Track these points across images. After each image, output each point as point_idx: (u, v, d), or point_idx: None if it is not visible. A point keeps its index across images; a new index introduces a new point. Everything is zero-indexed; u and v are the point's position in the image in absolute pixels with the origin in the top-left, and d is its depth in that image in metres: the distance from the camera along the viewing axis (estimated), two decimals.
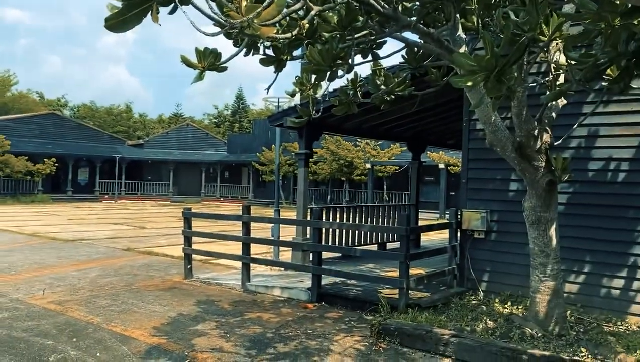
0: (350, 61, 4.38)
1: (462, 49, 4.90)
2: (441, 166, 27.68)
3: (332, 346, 5.53)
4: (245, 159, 39.13)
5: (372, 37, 4.51)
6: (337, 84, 5.22)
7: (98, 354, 5.13)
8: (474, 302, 6.81)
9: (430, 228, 8.51)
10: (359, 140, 31.12)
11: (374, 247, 10.55)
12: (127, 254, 11.98)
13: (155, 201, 38.68)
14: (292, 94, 6.02)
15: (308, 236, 9.68)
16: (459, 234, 7.52)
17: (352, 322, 6.40)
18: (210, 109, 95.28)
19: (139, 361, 4.99)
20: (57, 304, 7.09)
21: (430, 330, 5.50)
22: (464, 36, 5.04)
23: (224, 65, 3.64)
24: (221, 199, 40.16)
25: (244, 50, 4.33)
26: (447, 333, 5.42)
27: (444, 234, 15.21)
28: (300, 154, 9.62)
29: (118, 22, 2.82)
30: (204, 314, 6.74)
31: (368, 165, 29.99)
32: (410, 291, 6.69)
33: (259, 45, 4.39)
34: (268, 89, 4.81)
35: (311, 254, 8.83)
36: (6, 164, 32.18)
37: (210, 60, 3.55)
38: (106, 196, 38.83)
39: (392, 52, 5.13)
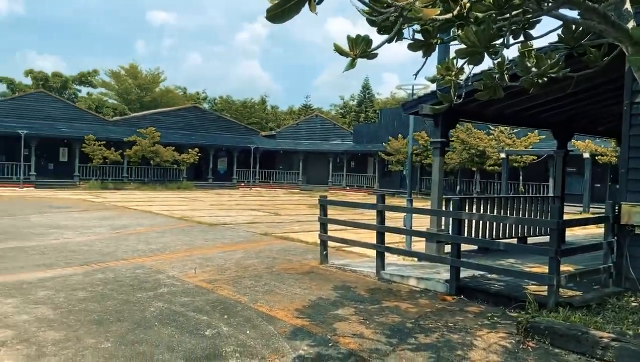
0: (504, 42, 4.14)
1: (631, 24, 4.40)
2: (586, 155, 25.44)
3: (475, 340, 5.34)
4: (371, 149, 39.24)
5: (528, 16, 4.22)
6: (480, 68, 4.97)
7: (247, 332, 5.45)
8: (634, 304, 6.18)
9: (584, 222, 7.87)
10: (492, 128, 29.69)
11: (514, 241, 10.02)
12: (265, 239, 12.63)
13: (286, 189, 40.37)
14: (433, 80, 5.84)
15: (442, 227, 9.45)
16: (616, 229, 6.85)
17: (495, 318, 6.13)
18: (336, 100, 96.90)
19: (286, 340, 5.21)
20: (207, 283, 7.67)
21: (587, 331, 5.07)
22: (631, 10, 4.53)
23: (374, 52, 3.64)
24: (347, 188, 40.74)
25: (389, 36, 4.29)
26: (606, 336, 4.96)
27: (589, 229, 14.07)
28: (435, 143, 9.38)
29: (278, 13, 2.92)
30: (342, 299, 6.87)
31: (502, 155, 28.47)
32: (559, 289, 6.24)
33: (402, 30, 4.32)
34: (416, 74, 4.70)
35: (446, 246, 8.62)
36: (156, 153, 35.51)
37: (362, 47, 3.56)
38: (242, 184, 41.32)
39: (547, 32, 4.73)
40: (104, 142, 34.15)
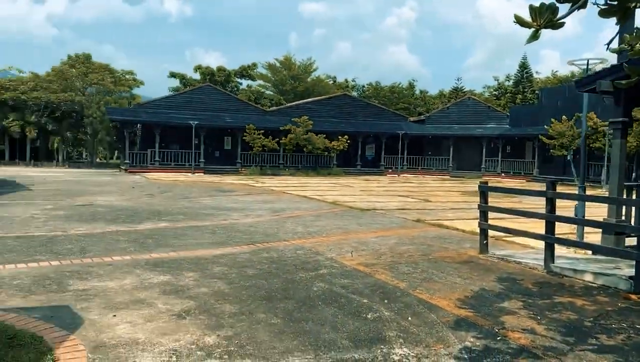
0: None
1: None
2: None
3: None
4: (530, 132, 36.65)
5: None
6: None
7: (409, 318, 5.38)
8: None
9: None
10: None
11: None
12: (418, 225, 12.44)
13: (435, 176, 39.47)
14: (619, 51, 5.17)
15: (622, 217, 8.45)
16: None
17: None
18: (489, 81, 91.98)
19: (450, 330, 5.04)
20: (365, 266, 7.74)
21: None
22: None
23: (561, 21, 3.28)
24: (502, 174, 38.58)
25: (576, 4, 3.84)
26: None
27: None
28: (615, 123, 8.37)
29: None
30: (507, 291, 6.48)
31: None
32: None
33: None
34: (608, 44, 4.18)
35: (627, 239, 7.69)
36: (309, 141, 36.97)
37: (547, 17, 3.23)
38: (390, 170, 41.32)
39: None
40: (262, 131, 36.43)
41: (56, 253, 8.08)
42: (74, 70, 47.69)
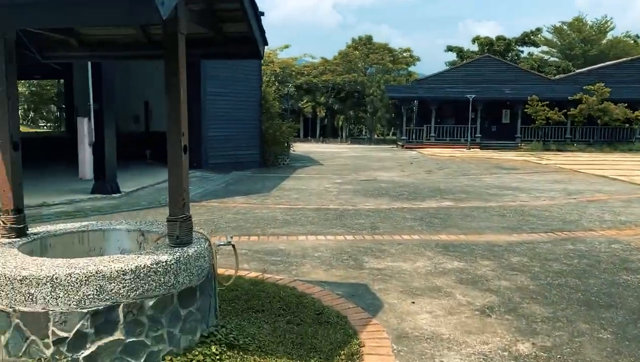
0: None
1: None
2: None
3: None
4: None
5: None
6: None
7: None
8: None
9: None
10: None
11: None
12: None
13: None
14: None
15: None
16: None
17: None
18: None
19: None
20: None
21: None
22: None
23: None
24: None
25: None
26: None
27: None
28: None
29: None
30: None
31: None
32: None
33: None
34: None
35: None
36: (604, 111, 32.09)
37: None
38: None
39: None
40: (546, 102, 33.08)
41: (349, 227, 8.37)
42: (357, 52, 51.16)
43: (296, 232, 7.90)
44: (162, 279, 3.31)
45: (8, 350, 3.10)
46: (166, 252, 3.46)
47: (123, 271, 3.15)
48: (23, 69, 8.14)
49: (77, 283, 3.05)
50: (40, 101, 48.09)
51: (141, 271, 3.21)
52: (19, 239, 3.81)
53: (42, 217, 8.85)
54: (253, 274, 5.59)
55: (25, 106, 47.95)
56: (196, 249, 3.61)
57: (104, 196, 11.06)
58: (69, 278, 3.04)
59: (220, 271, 4.25)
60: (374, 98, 46.02)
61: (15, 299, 3.05)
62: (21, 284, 3.03)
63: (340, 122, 57.58)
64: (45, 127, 50.61)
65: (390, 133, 62.45)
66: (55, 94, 44.65)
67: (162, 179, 14.00)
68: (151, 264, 3.26)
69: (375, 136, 54.31)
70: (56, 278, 3.03)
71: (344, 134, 57.13)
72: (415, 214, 9.69)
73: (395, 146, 39.17)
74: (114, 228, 4.34)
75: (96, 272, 3.09)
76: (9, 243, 3.70)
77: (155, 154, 19.42)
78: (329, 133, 56.56)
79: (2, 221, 3.84)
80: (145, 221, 4.61)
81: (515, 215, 9.77)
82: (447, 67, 47.89)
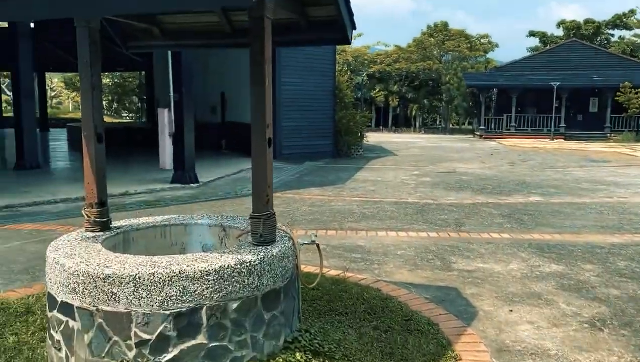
0: None
1: None
2: None
3: None
4: None
5: None
6: None
7: None
8: None
9: None
10: None
11: None
12: None
13: None
14: None
15: None
16: None
17: None
18: None
19: None
20: None
21: None
22: None
23: None
24: None
25: None
26: None
27: None
28: None
29: None
30: None
31: None
32: None
33: None
34: None
35: None
36: None
37: None
38: None
39: None
40: None
41: (431, 223, 7.94)
42: (432, 39, 49.67)
43: (375, 227, 7.57)
44: (246, 281, 3.11)
45: (91, 349, 3.01)
46: (250, 252, 3.25)
47: (207, 271, 2.97)
48: (106, 61, 8.32)
49: (160, 283, 2.90)
50: (123, 93, 50.39)
51: (225, 271, 3.02)
52: (102, 233, 3.75)
53: (125, 206, 9.05)
54: (333, 272, 5.33)
55: (110, 97, 50.44)
56: (280, 248, 3.38)
57: (183, 185, 11.22)
58: (151, 278, 2.89)
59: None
60: (450, 86, 44.57)
61: (98, 298, 2.95)
62: (104, 282, 2.92)
63: (414, 111, 56.30)
64: (127, 118, 53.08)
65: (466, 122, 60.44)
66: (136, 86, 46.64)
67: (237, 169, 14.11)
68: (235, 264, 3.06)
69: (450, 126, 52.71)
70: (139, 277, 2.89)
71: (417, 124, 55.85)
72: (502, 209, 9.08)
73: (472, 136, 37.74)
74: (196, 222, 4.21)
75: (179, 272, 2.92)
76: (93, 237, 3.64)
77: (230, 144, 19.70)
78: (402, 122, 55.47)
79: (86, 214, 3.79)
80: (226, 215, 4.45)
81: (615, 213, 8.92)
82: (529, 54, 45.44)
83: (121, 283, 2.90)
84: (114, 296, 2.92)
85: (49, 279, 3.24)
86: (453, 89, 44.12)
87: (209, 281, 2.98)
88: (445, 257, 6.03)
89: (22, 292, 4.68)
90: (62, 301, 3.11)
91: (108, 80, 48.33)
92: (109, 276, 2.91)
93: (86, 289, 2.97)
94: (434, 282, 5.20)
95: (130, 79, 48.70)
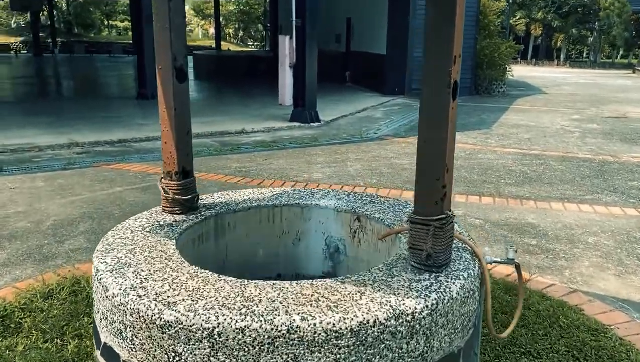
0: None
1: None
2: None
3: None
4: None
5: None
6: None
7: None
8: None
9: None
10: None
11: None
12: None
13: None
14: None
15: None
16: None
17: None
18: None
19: None
20: None
21: None
22: None
23: None
24: None
25: None
26: None
27: None
28: None
29: None
30: None
31: None
32: None
33: None
34: None
35: None
36: None
37: None
38: None
39: None
40: None
41: (622, 192, 5.95)
42: None
43: (545, 196, 5.78)
44: (404, 347, 1.72)
45: None
46: (412, 289, 1.83)
47: (337, 332, 1.62)
48: None
49: (253, 346, 1.61)
50: (248, 20, 50.19)
51: (368, 331, 1.65)
52: (184, 217, 2.54)
53: (240, 148, 8.06)
54: (503, 269, 3.79)
55: (236, 25, 50.58)
56: (463, 281, 1.92)
57: (302, 124, 10.02)
58: (239, 337, 1.61)
59: None
60: (609, 12, 38.33)
61: (155, 357, 1.74)
62: (162, 334, 1.69)
63: (558, 42, 50.03)
64: (252, 46, 53.11)
65: (619, 56, 52.76)
66: (261, 13, 46.03)
67: (363, 106, 12.63)
68: (386, 319, 1.67)
69: (600, 59, 46.21)
70: (219, 334, 1.62)
71: (561, 56, 49.73)
72: None
73: (632, 72, 32.44)
74: (317, 203, 2.86)
75: (288, 331, 1.60)
76: (170, 225, 2.44)
77: (354, 76, 18.15)
78: (542, 55, 49.71)
79: (163, 188, 2.59)
80: (360, 194, 3.05)
81: None
82: None
83: (189, 340, 1.65)
84: (177, 358, 1.69)
85: (94, 297, 2.10)
86: (613, 15, 37.88)
87: (339, 350, 1.63)
88: None
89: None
90: (105, 343, 1.96)
91: (233, 7, 48.21)
92: (170, 325, 1.67)
93: (136, 336, 1.77)
94: None
95: (255, 6, 48.19)
